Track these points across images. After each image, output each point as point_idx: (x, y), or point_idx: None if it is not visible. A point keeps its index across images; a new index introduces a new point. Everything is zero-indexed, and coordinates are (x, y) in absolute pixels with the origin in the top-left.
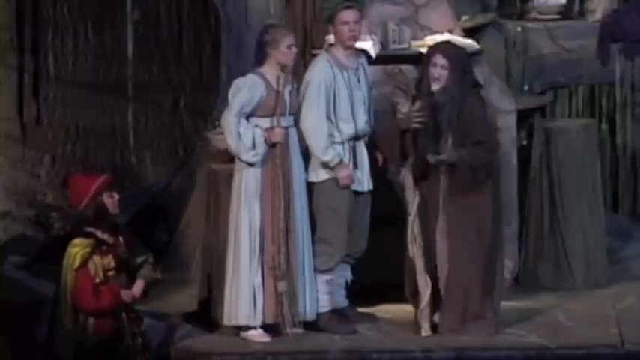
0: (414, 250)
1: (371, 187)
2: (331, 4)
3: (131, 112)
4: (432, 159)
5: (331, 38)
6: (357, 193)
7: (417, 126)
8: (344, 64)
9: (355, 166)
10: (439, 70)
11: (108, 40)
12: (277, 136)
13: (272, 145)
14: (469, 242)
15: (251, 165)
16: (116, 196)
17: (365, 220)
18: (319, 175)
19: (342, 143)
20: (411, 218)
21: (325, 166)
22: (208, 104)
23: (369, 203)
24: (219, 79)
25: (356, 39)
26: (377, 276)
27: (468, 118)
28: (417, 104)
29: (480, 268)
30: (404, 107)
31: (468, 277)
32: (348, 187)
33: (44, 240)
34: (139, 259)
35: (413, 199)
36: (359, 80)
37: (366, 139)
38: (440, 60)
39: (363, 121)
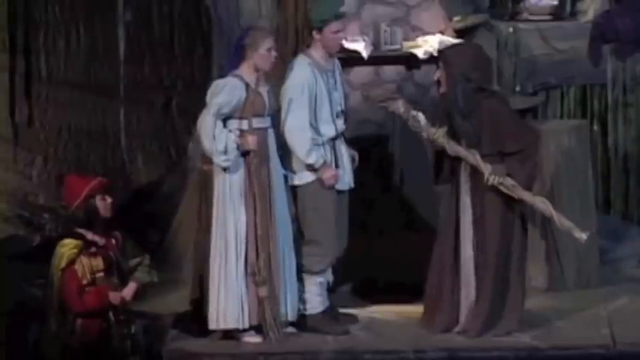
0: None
1: (352, 185)
2: (325, 13)
3: (123, 113)
4: (492, 180)
5: None
6: (338, 192)
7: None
8: (323, 67)
9: (337, 165)
10: (438, 73)
11: (100, 40)
12: (251, 144)
13: (245, 153)
14: (493, 243)
15: (224, 169)
16: (109, 199)
17: (345, 219)
18: (303, 178)
19: (323, 144)
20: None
21: (310, 168)
22: (200, 105)
23: (347, 202)
24: (211, 80)
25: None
26: (369, 278)
27: (491, 126)
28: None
29: (501, 270)
30: (401, 108)
31: (492, 279)
32: (333, 186)
33: (39, 241)
34: (133, 262)
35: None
36: (335, 82)
37: (343, 137)
38: (440, 63)
39: (341, 122)
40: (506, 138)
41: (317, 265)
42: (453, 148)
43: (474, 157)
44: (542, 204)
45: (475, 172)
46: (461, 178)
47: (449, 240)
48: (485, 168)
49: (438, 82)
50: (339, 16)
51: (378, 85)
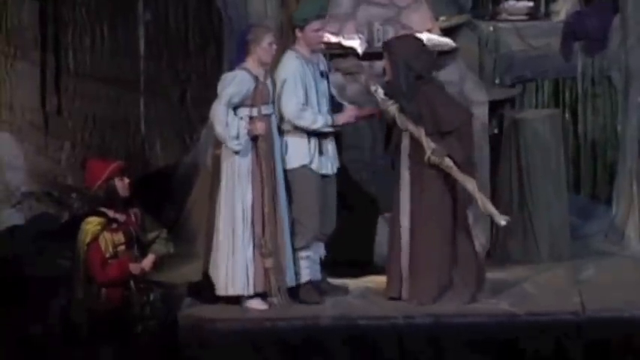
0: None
1: (335, 170)
2: (307, 13)
3: (143, 104)
4: (433, 159)
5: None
6: (323, 177)
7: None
8: (310, 60)
9: (320, 152)
10: (383, 62)
11: (122, 38)
12: (260, 129)
13: (254, 137)
14: (431, 215)
15: (236, 152)
16: (126, 180)
17: (333, 201)
18: (291, 162)
19: (309, 132)
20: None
21: (317, 134)
22: (212, 96)
23: (335, 184)
24: (222, 74)
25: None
26: (363, 253)
27: (429, 109)
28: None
29: (443, 242)
30: (363, 81)
31: (433, 250)
32: (357, 120)
33: (67, 218)
34: (151, 235)
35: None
36: (322, 74)
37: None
38: (385, 53)
39: (325, 111)
40: (442, 119)
41: (299, 242)
42: (404, 122)
43: (419, 132)
44: (471, 186)
45: (415, 150)
46: (401, 155)
47: (396, 214)
48: (428, 146)
49: (384, 71)
50: (320, 16)
51: (349, 60)
